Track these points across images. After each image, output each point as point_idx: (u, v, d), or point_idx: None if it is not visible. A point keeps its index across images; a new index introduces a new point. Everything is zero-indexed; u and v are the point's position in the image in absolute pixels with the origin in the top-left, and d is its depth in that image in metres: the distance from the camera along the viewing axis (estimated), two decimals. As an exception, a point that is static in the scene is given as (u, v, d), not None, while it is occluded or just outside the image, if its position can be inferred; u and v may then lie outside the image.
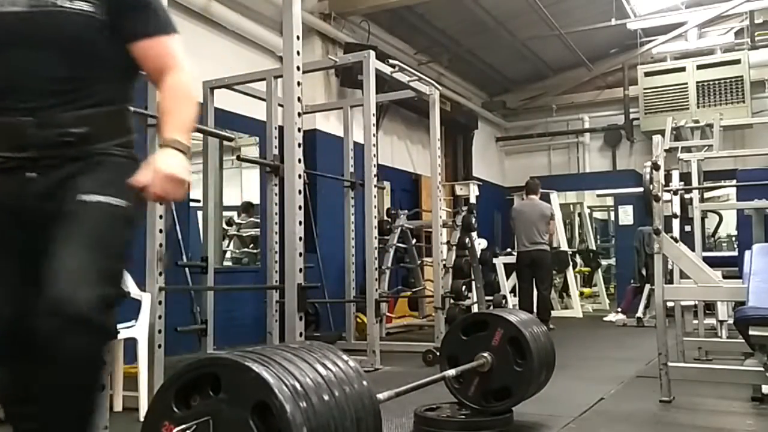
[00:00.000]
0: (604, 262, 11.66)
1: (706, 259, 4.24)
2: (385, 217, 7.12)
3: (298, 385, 1.25)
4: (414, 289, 7.45)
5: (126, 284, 3.19)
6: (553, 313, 9.22)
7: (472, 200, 9.01)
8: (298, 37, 3.03)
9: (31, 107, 1.52)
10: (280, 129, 4.46)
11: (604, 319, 8.37)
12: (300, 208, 3.36)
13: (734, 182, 5.64)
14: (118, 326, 2.19)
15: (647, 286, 7.59)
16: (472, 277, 7.19)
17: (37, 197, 1.54)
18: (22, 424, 1.56)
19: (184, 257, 5.40)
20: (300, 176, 3.38)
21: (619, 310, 8.21)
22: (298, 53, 3.02)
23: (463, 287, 5.96)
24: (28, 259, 1.53)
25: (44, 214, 1.52)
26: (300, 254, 3.32)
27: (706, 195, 5.34)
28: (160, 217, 3.69)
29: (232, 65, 5.73)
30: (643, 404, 3.45)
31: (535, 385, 2.66)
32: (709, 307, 5.85)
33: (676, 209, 4.89)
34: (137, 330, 3.24)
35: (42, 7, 1.54)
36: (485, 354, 2.60)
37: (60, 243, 1.45)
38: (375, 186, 4.88)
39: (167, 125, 1.60)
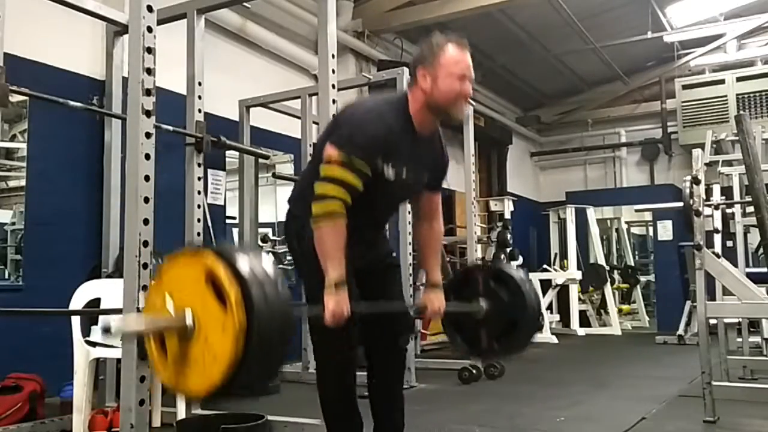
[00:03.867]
0: (642, 279, 11.44)
1: (749, 275, 4.13)
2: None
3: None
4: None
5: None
6: (592, 331, 9.11)
7: (507, 216, 8.95)
8: (333, 56, 3.05)
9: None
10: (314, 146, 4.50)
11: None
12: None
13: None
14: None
15: (688, 303, 7.42)
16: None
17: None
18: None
19: (221, 274, 5.45)
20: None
21: None
22: (333, 71, 3.04)
23: (499, 304, 5.90)
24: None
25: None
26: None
27: (749, 209, 5.20)
28: (198, 234, 3.75)
29: (267, 84, 5.82)
30: (686, 424, 3.37)
31: (533, 306, 2.63)
32: (754, 325, 5.70)
33: (718, 224, 4.79)
34: (175, 346, 3.27)
35: (419, 179, 2.33)
36: (479, 301, 2.61)
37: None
38: (408, 202, 4.87)
39: (434, 268, 2.49)
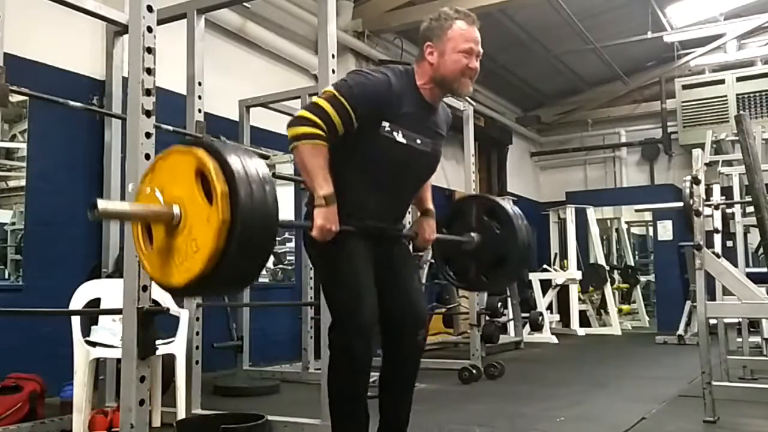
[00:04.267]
0: (642, 279, 11.44)
1: (750, 275, 4.13)
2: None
3: None
4: (449, 306, 7.40)
5: (165, 301, 3.24)
6: (592, 331, 9.12)
7: (507, 216, 8.92)
8: (333, 56, 3.05)
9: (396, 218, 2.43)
10: (315, 146, 4.50)
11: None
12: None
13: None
14: (157, 342, 2.23)
15: (688, 303, 7.43)
16: (508, 293, 7.12)
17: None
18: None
19: (221, 274, 5.44)
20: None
21: None
22: (333, 72, 3.04)
23: (499, 304, 5.90)
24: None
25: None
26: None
27: (749, 209, 5.20)
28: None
29: (267, 84, 5.82)
30: (686, 424, 3.37)
31: (523, 243, 2.62)
32: (754, 325, 5.70)
33: (718, 224, 4.79)
34: (175, 346, 3.28)
35: (435, 151, 2.36)
36: (470, 234, 2.61)
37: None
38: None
39: (426, 198, 2.52)
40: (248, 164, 1.66)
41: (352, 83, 2.17)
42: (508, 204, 2.67)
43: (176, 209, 1.68)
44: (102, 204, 1.64)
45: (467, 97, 5.59)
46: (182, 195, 1.68)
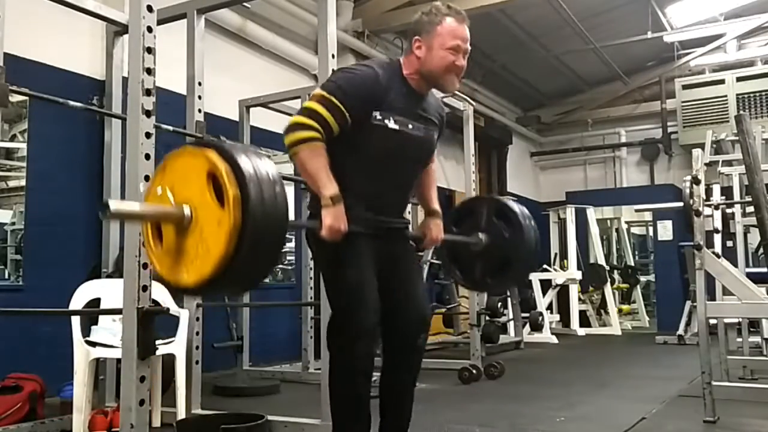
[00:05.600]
0: (642, 279, 11.44)
1: (750, 275, 4.13)
2: (420, 233, 7.09)
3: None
4: (449, 306, 7.40)
5: (165, 301, 3.24)
6: (592, 331, 9.12)
7: (507, 216, 8.93)
8: (333, 56, 3.05)
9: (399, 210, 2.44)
10: (315, 146, 4.50)
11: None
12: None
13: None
14: (157, 342, 2.23)
15: (688, 303, 7.43)
16: (508, 293, 7.12)
17: None
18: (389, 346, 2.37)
19: (221, 274, 5.44)
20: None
21: None
22: (333, 71, 3.04)
23: (499, 304, 5.90)
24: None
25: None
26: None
27: (749, 209, 5.20)
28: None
29: (267, 84, 5.81)
30: (686, 424, 3.37)
31: (530, 249, 2.62)
32: (754, 325, 5.70)
33: (718, 224, 4.79)
34: (175, 346, 3.28)
35: (429, 136, 2.36)
36: (478, 234, 2.61)
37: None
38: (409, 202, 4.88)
39: (432, 198, 2.52)
40: (259, 167, 1.68)
41: (340, 81, 2.20)
42: (518, 206, 2.66)
43: (187, 210, 1.69)
44: (114, 204, 1.63)
45: (469, 98, 5.60)
46: (193, 196, 1.69)
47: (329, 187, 2.09)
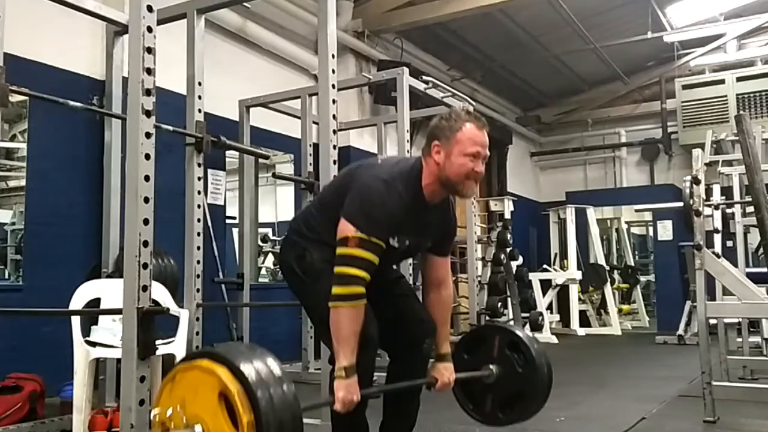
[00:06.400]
0: (642, 279, 11.44)
1: (750, 275, 4.13)
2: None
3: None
4: (449, 306, 7.39)
5: (165, 301, 3.24)
6: (592, 331, 9.11)
7: (507, 216, 8.95)
8: (333, 56, 3.05)
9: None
10: (315, 146, 4.50)
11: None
12: (335, 224, 3.36)
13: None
14: (157, 342, 2.23)
15: (688, 303, 7.43)
16: (508, 293, 7.12)
17: None
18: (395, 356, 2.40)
19: (221, 274, 5.45)
20: (335, 193, 3.38)
21: None
22: (333, 71, 3.04)
23: (499, 304, 5.91)
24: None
25: None
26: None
27: (749, 209, 5.20)
28: (198, 234, 3.75)
29: (267, 84, 5.82)
30: (686, 424, 3.37)
31: (543, 383, 2.62)
32: (754, 325, 5.69)
33: (718, 224, 4.79)
34: (175, 346, 3.28)
35: (422, 244, 2.36)
36: (489, 366, 2.61)
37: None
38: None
39: (444, 339, 2.43)
40: (272, 383, 1.63)
41: (373, 215, 2.13)
42: (530, 339, 2.64)
43: (198, 429, 1.65)
44: None
45: (469, 98, 5.60)
46: (205, 415, 1.66)
47: (349, 359, 2.05)
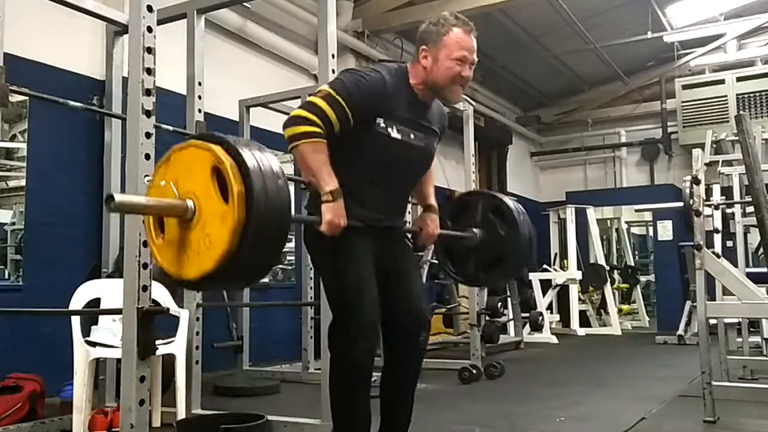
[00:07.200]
0: (642, 279, 11.44)
1: (750, 275, 4.13)
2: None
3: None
4: (449, 306, 7.40)
5: (165, 301, 3.24)
6: (592, 331, 9.12)
7: (507, 216, 8.92)
8: (333, 56, 3.05)
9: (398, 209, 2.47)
10: (315, 146, 4.50)
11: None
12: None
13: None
14: (157, 342, 2.23)
15: (688, 303, 7.43)
16: (508, 293, 7.11)
17: None
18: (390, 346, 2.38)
19: (221, 274, 5.44)
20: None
21: None
22: (333, 72, 3.04)
23: (499, 304, 5.90)
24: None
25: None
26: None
27: (749, 209, 5.20)
28: (198, 234, 3.74)
29: (267, 84, 5.81)
30: (686, 424, 3.37)
31: (523, 244, 2.63)
32: (754, 325, 5.69)
33: (718, 224, 4.79)
34: (175, 346, 3.28)
35: (429, 146, 2.38)
36: (473, 229, 2.62)
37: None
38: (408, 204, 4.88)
39: (430, 194, 2.54)
40: (263, 161, 1.68)
41: (348, 81, 2.19)
42: (513, 203, 2.67)
43: (190, 203, 1.70)
44: (119, 197, 1.64)
45: (469, 98, 5.60)
46: (197, 190, 1.70)
47: (330, 183, 2.09)
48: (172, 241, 1.75)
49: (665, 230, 9.50)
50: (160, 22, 2.29)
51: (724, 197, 5.24)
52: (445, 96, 2.33)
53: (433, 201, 2.52)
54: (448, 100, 2.38)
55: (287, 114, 6.38)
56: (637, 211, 11.21)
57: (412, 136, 2.28)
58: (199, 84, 3.74)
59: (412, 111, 2.28)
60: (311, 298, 4.95)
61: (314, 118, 2.10)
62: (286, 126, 2.13)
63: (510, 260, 2.62)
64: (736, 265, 4.57)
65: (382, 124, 2.20)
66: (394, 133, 2.23)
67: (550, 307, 9.01)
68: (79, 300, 3.18)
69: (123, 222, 2.29)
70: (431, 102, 2.37)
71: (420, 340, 2.35)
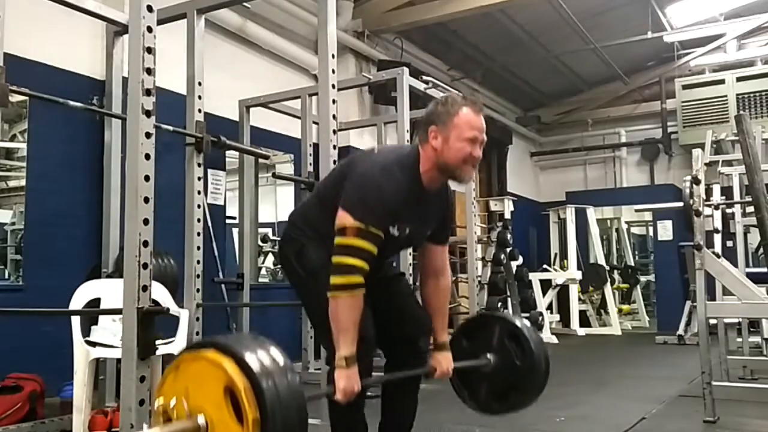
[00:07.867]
0: (642, 279, 11.44)
1: (749, 275, 4.13)
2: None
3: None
4: (449, 306, 7.39)
5: (165, 301, 3.24)
6: (592, 331, 9.11)
7: (507, 216, 8.95)
8: (333, 56, 3.05)
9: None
10: (315, 146, 4.50)
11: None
12: (335, 224, 3.36)
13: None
14: (157, 342, 2.23)
15: (688, 303, 7.43)
16: (508, 293, 7.13)
17: None
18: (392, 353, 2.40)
19: (221, 274, 5.45)
20: (335, 193, 3.38)
21: None
22: (333, 71, 3.04)
23: (499, 304, 5.91)
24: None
25: None
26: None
27: (749, 209, 5.20)
28: (198, 234, 3.75)
29: (267, 84, 5.82)
30: (686, 424, 3.37)
31: (539, 378, 2.61)
32: (754, 325, 5.69)
33: (718, 224, 4.79)
34: (175, 346, 3.27)
35: (422, 233, 2.35)
36: (487, 355, 2.60)
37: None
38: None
39: (441, 328, 2.44)
40: (281, 383, 1.62)
41: (370, 204, 2.09)
42: (531, 332, 2.62)
43: (201, 420, 1.63)
44: None
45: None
46: (209, 407, 1.63)
47: (349, 348, 2.03)
48: None
49: (665, 230, 9.50)
50: (160, 22, 2.29)
51: (724, 197, 5.23)
52: (456, 176, 2.26)
53: (445, 338, 2.44)
54: (460, 180, 2.30)
55: (287, 114, 6.36)
56: (637, 211, 11.21)
57: (407, 230, 2.25)
58: (199, 84, 3.74)
59: (417, 209, 2.25)
60: (311, 298, 4.94)
61: (363, 264, 2.05)
62: (334, 274, 2.05)
63: (524, 392, 2.58)
64: (736, 265, 4.57)
65: (389, 228, 2.17)
66: (394, 232, 2.19)
67: (550, 307, 9.01)
68: (79, 300, 3.18)
69: (123, 222, 2.29)
70: (438, 187, 2.31)
71: (421, 343, 2.36)
